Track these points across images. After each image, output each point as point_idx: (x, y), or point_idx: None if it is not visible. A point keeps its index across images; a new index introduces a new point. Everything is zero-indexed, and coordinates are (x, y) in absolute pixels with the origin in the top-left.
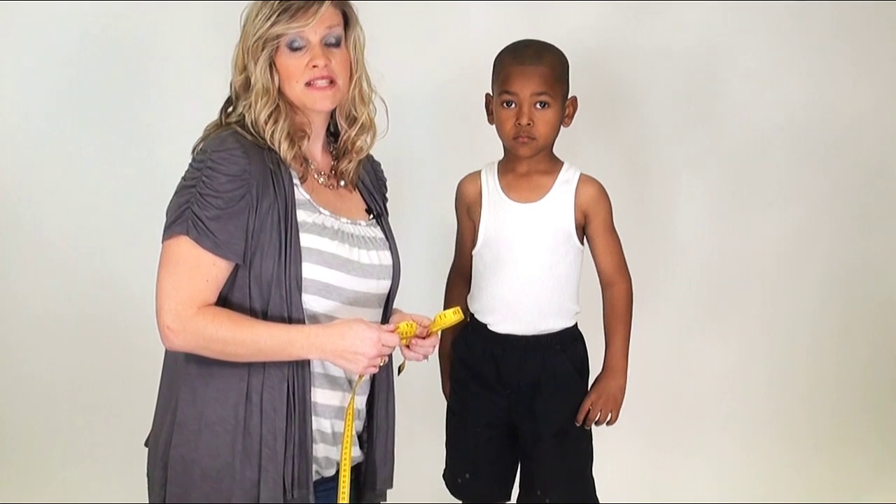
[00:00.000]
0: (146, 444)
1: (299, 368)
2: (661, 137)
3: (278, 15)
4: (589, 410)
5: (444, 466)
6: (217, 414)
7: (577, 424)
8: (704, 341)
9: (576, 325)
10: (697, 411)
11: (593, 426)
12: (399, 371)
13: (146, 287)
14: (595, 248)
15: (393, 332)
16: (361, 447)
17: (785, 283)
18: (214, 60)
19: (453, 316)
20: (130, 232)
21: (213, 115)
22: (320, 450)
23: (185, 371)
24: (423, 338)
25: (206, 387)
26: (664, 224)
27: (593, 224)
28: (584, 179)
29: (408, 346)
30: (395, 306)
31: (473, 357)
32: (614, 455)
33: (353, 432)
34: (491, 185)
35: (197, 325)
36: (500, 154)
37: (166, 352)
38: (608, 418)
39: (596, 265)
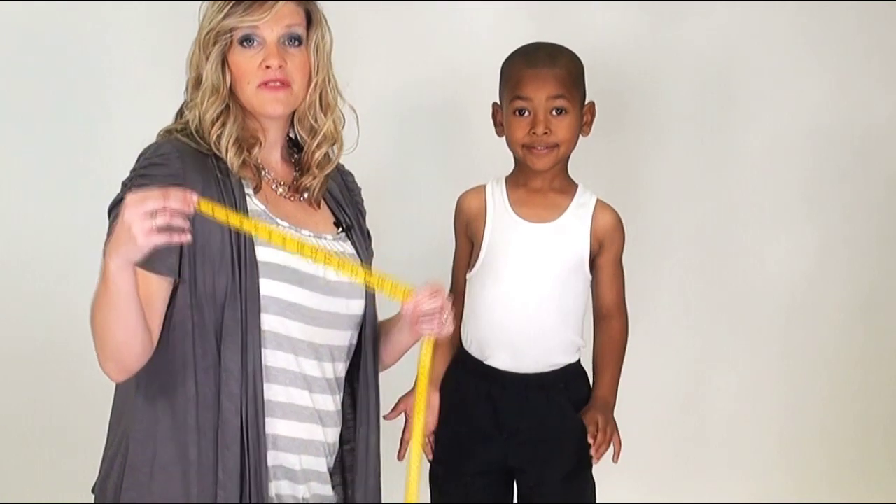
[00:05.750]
0: (93, 491)
1: (253, 398)
2: (668, 148)
3: (232, 6)
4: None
5: None
6: (170, 454)
7: (590, 440)
8: (711, 371)
9: (579, 360)
10: (703, 449)
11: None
12: None
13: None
14: (601, 279)
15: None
16: (334, 488)
17: (802, 307)
18: (165, 67)
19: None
20: (81, 251)
21: (164, 123)
22: (284, 487)
23: (134, 407)
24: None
25: (157, 424)
26: (670, 239)
27: (606, 255)
28: (602, 206)
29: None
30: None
31: (465, 398)
32: (614, 499)
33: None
34: (498, 200)
35: None
36: (499, 167)
37: (116, 388)
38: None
39: (596, 296)
